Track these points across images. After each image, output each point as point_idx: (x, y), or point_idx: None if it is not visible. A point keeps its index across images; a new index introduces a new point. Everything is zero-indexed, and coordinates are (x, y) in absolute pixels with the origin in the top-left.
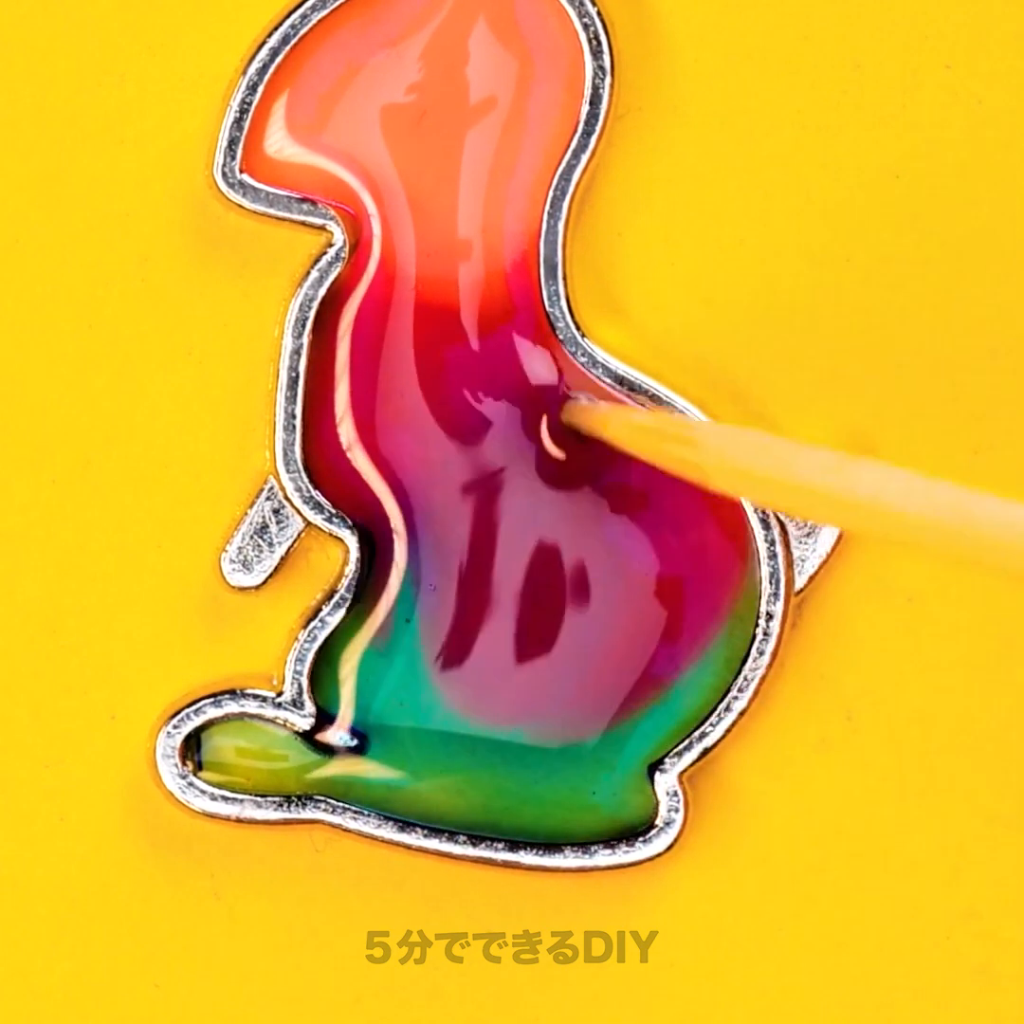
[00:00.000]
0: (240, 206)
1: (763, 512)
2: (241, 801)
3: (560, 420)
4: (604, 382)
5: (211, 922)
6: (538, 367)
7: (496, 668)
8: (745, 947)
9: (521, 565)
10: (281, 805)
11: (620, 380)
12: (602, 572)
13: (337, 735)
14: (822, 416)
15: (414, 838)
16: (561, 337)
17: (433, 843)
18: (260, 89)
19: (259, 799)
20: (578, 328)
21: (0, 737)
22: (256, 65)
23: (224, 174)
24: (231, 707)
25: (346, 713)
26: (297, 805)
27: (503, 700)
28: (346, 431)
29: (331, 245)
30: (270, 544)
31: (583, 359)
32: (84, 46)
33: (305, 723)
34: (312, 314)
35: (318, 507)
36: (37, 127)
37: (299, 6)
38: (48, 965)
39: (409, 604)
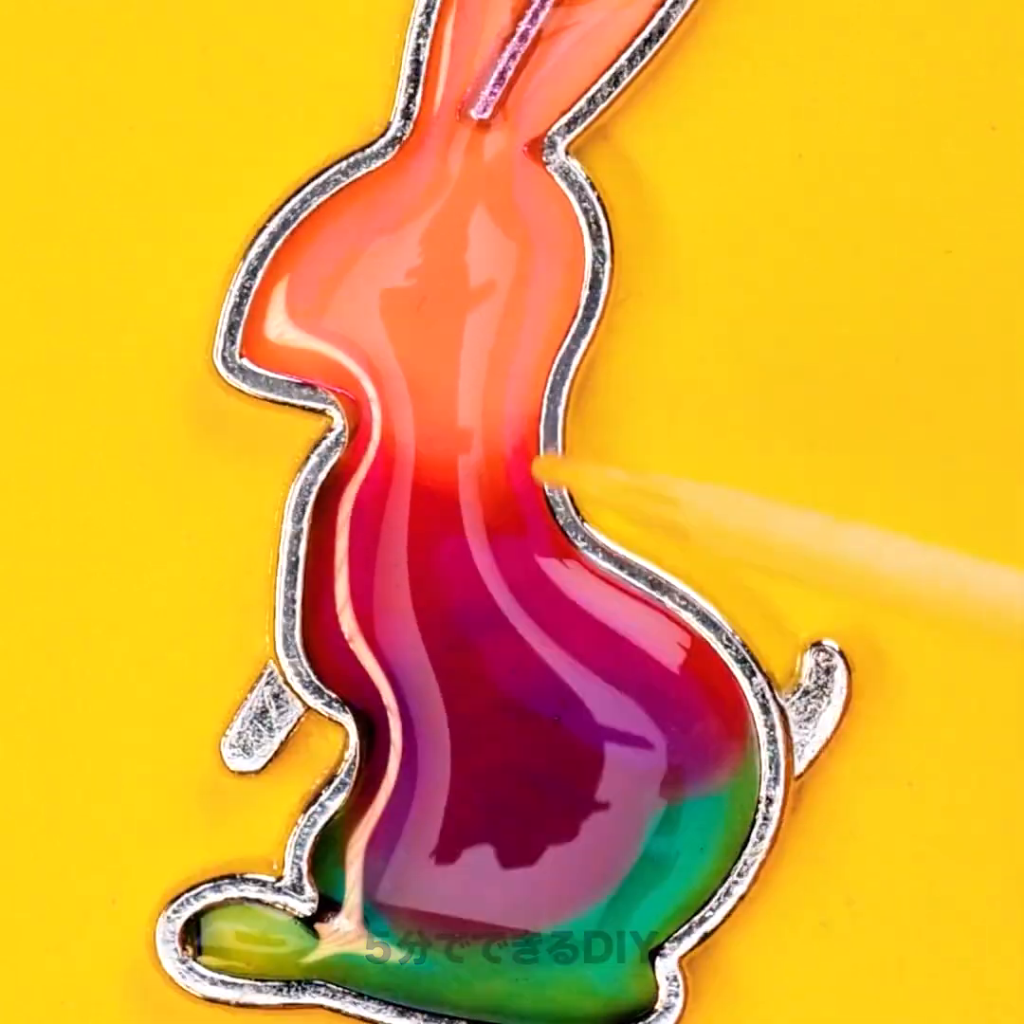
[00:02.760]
0: (240, 391)
1: (763, 697)
2: (241, 986)
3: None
4: (603, 566)
5: None
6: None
7: (489, 859)
8: None
9: (518, 755)
10: (281, 990)
11: (620, 564)
12: (602, 761)
13: (340, 921)
14: (822, 602)
15: (415, 1023)
16: (561, 521)
17: None
18: (260, 274)
19: (259, 984)
20: (578, 512)
21: (2, 922)
22: (256, 250)
23: (224, 359)
24: (231, 892)
25: (352, 898)
26: (297, 990)
27: (499, 886)
28: (347, 621)
29: (331, 430)
30: (270, 729)
31: (583, 543)
32: (85, 231)
33: (305, 908)
34: (312, 499)
35: (318, 692)
36: (40, 312)
37: (299, 191)
38: None
39: (408, 791)
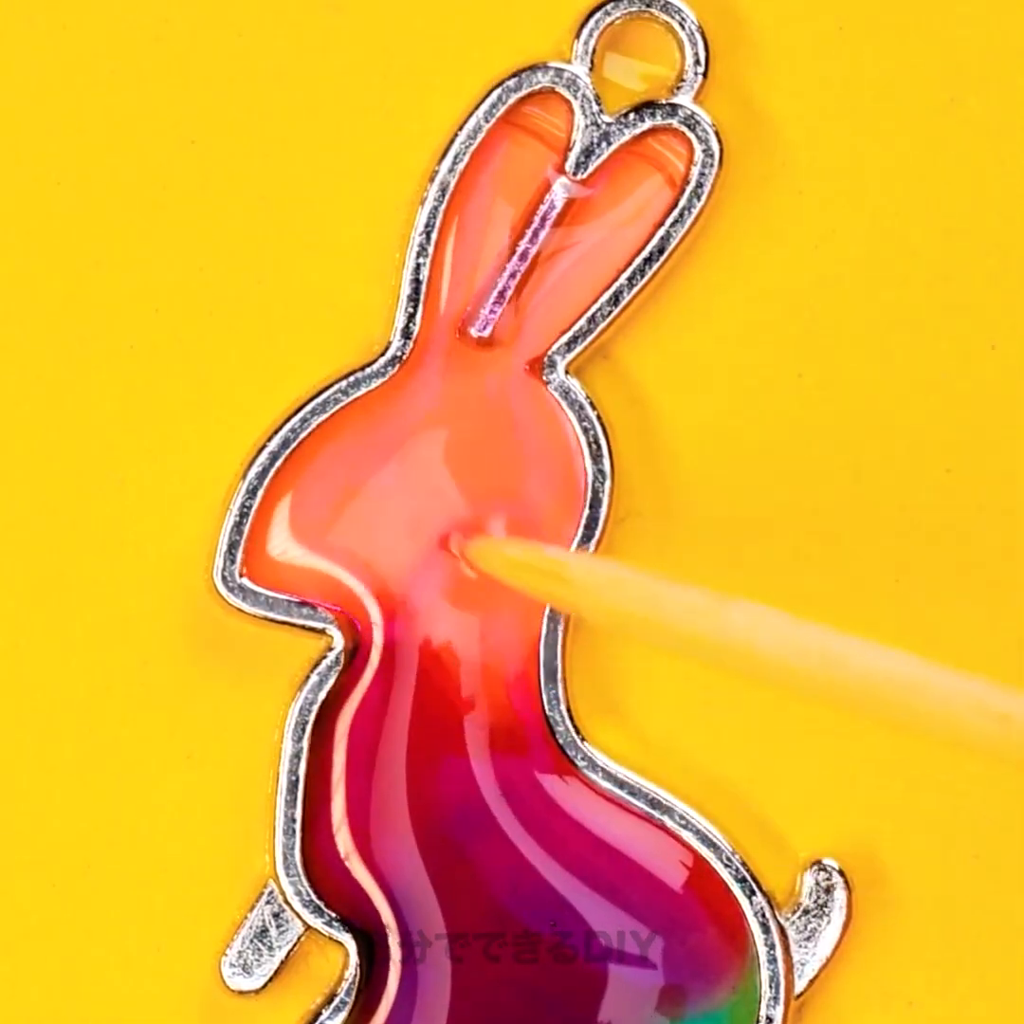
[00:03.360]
0: (240, 610)
1: (763, 916)
2: None
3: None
4: (603, 785)
5: None
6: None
7: None
8: None
9: (518, 972)
10: None
11: (620, 783)
12: (602, 979)
13: None
14: (821, 821)
15: None
16: (560, 741)
17: None
18: (260, 493)
19: None
20: (577, 731)
21: None
22: (256, 469)
23: (224, 578)
24: None
25: None
26: None
27: None
28: (343, 840)
29: (331, 649)
30: (270, 948)
31: (582, 762)
32: (84, 450)
33: None
34: (312, 718)
35: (318, 911)
36: (41, 531)
37: (299, 410)
38: None
39: (407, 1010)
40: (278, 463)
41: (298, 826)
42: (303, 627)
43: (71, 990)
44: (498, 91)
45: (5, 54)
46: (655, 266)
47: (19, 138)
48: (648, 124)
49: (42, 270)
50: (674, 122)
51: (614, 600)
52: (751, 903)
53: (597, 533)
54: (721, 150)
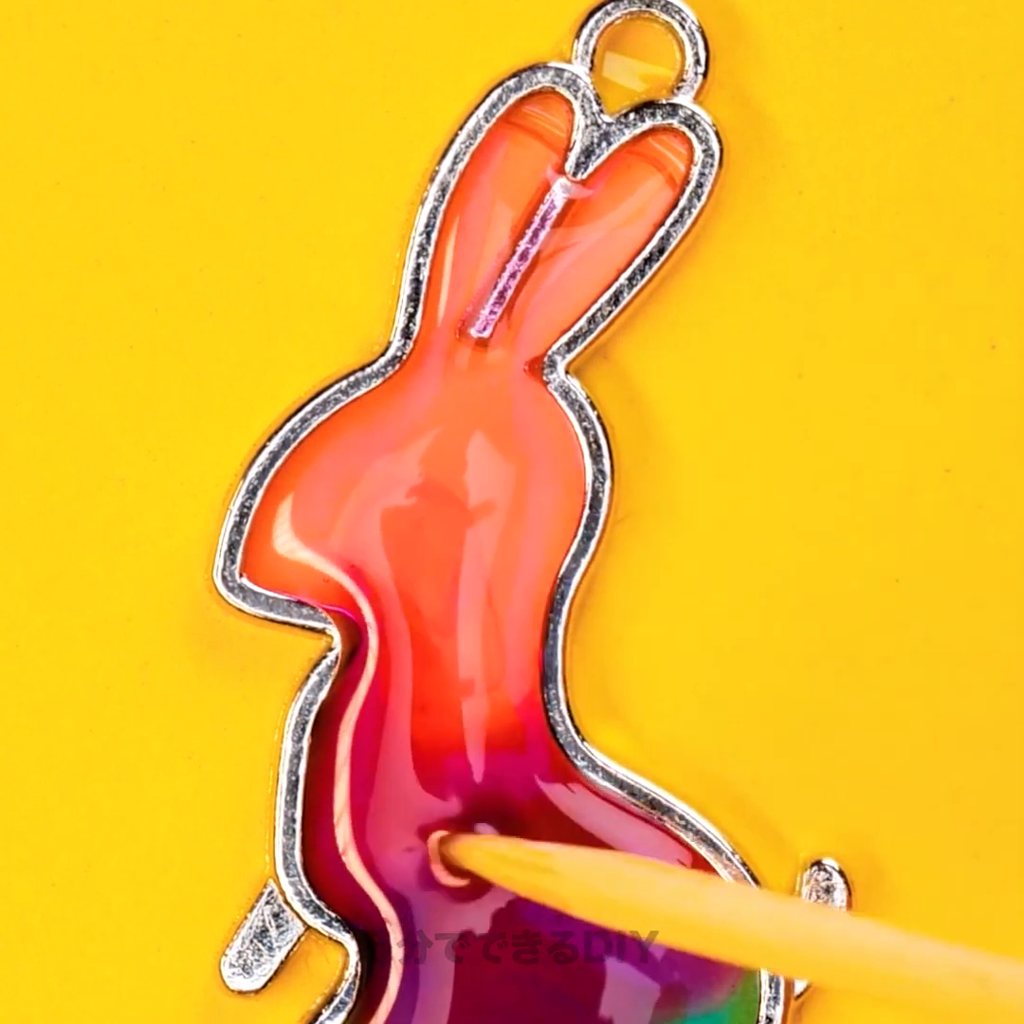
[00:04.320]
0: (240, 610)
1: None
2: None
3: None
4: (603, 785)
5: None
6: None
7: None
8: None
9: (520, 972)
10: None
11: (620, 784)
12: (604, 978)
13: None
14: (821, 821)
15: None
16: (561, 741)
17: None
18: (260, 493)
19: None
20: (578, 732)
21: None
22: (256, 469)
23: (224, 578)
24: None
25: None
26: None
27: None
28: (342, 833)
29: (331, 649)
30: (270, 948)
31: (582, 763)
32: (84, 450)
33: None
34: (312, 718)
35: (318, 911)
36: (41, 531)
37: (299, 410)
38: None
39: (408, 1009)
40: (278, 463)
41: (298, 826)
42: (303, 627)
43: (71, 990)
44: (498, 91)
45: (5, 54)
46: (655, 266)
47: (19, 138)
48: (648, 124)
49: (42, 270)
50: (674, 122)
51: (600, 888)
52: None
53: (597, 533)
54: (721, 150)
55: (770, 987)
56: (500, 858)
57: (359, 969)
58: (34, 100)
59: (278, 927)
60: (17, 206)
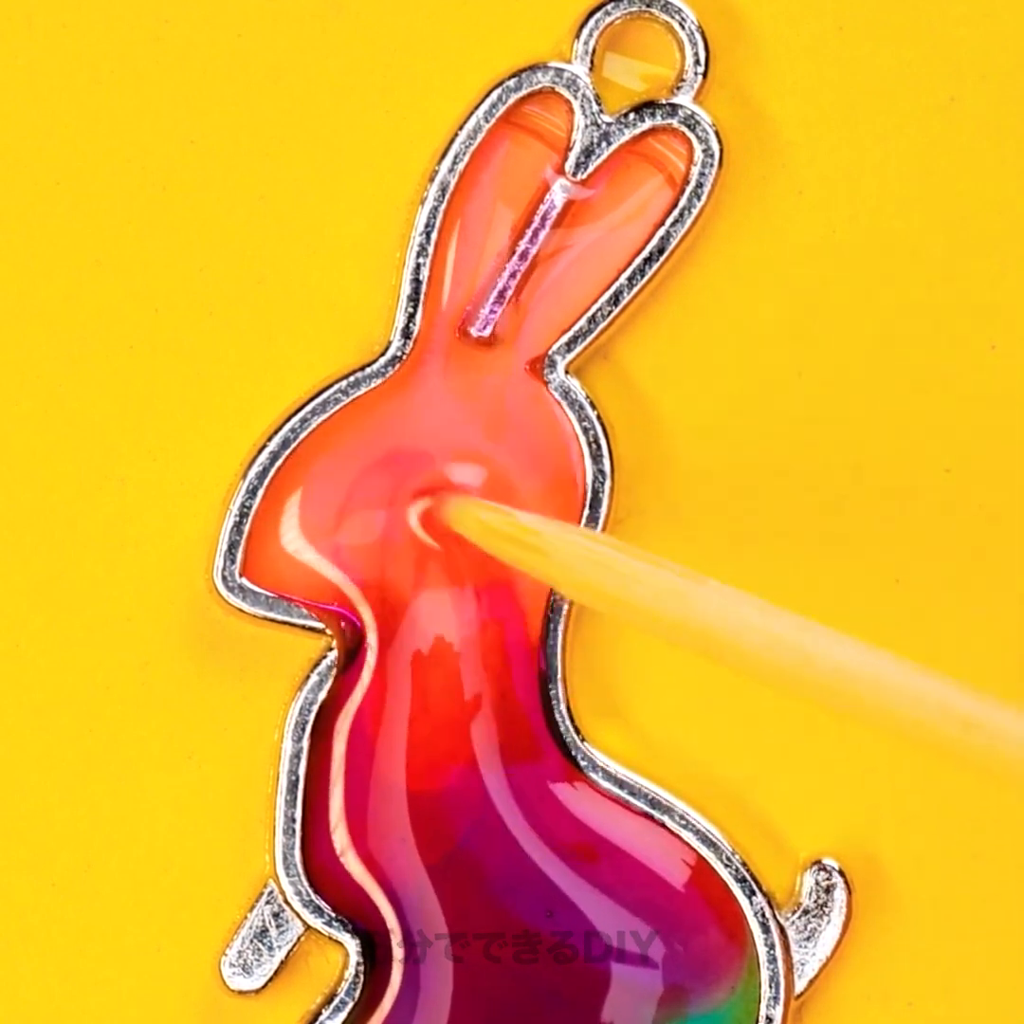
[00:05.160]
0: (240, 610)
1: (763, 916)
2: None
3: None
4: (604, 785)
5: None
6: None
7: None
8: None
9: (521, 972)
10: None
11: (620, 783)
12: (604, 978)
13: None
14: (821, 821)
15: None
16: (560, 740)
17: None
18: (260, 493)
19: None
20: (577, 731)
21: None
22: (256, 469)
23: (224, 578)
24: None
25: None
26: None
27: None
28: (340, 837)
29: (331, 648)
30: (270, 948)
31: (583, 762)
32: (84, 450)
33: None
34: (312, 718)
35: (318, 911)
36: (43, 533)
37: (299, 410)
38: None
39: (408, 1010)
40: (278, 463)
41: (298, 826)
42: (303, 627)
43: (71, 990)
44: (498, 91)
45: (5, 54)
46: (655, 266)
47: (19, 138)
48: (648, 124)
49: (42, 270)
50: (674, 122)
51: (587, 574)
52: (751, 903)
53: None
54: (721, 150)
55: (770, 987)
56: (491, 529)
57: (360, 969)
58: (34, 100)
59: (278, 927)
60: (17, 206)
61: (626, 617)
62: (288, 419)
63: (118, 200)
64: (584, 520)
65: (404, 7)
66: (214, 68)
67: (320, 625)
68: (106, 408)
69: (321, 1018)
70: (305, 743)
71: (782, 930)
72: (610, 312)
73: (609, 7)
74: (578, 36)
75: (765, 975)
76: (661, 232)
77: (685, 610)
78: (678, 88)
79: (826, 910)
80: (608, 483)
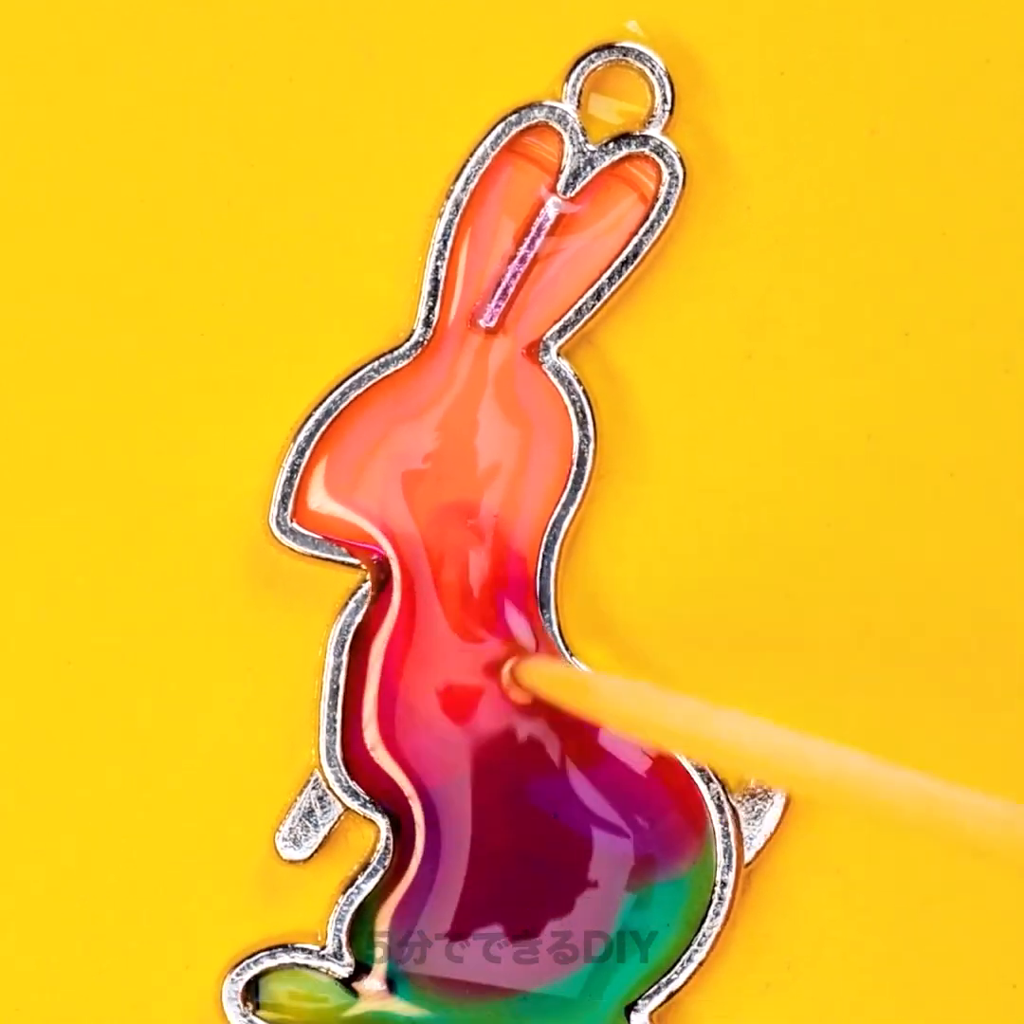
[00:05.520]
0: (291, 549)
1: (718, 799)
2: None
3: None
4: None
5: None
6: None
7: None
8: None
9: (522, 843)
10: None
11: None
12: (589, 850)
13: (372, 982)
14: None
15: None
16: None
17: None
18: (307, 453)
19: None
20: (568, 649)
21: (90, 984)
22: (304, 433)
23: (278, 523)
24: (283, 958)
25: (380, 966)
26: None
27: (505, 956)
28: (370, 734)
29: (366, 580)
30: (315, 825)
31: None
32: (165, 419)
33: (344, 971)
34: (350, 636)
35: (355, 795)
36: (129, 485)
37: (339, 385)
38: None
39: (429, 876)
40: (322, 429)
41: (338, 725)
42: (342, 563)
43: (151, 863)
44: (502, 124)
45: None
46: (630, 268)
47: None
48: (625, 151)
49: (130, 250)
50: (646, 150)
51: (629, 707)
52: (708, 789)
53: (582, 486)
54: (685, 173)
55: (725, 857)
56: (550, 678)
57: (388, 843)
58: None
59: (322, 808)
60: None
61: (662, 739)
62: (330, 392)
63: (205, 219)
64: (572, 475)
65: (425, 57)
66: (274, 107)
67: (356, 561)
68: (185, 387)
69: (357, 882)
70: (344, 657)
71: (734, 810)
72: (594, 305)
73: (593, 55)
74: (567, 79)
75: (720, 847)
76: (635, 241)
77: (708, 729)
78: (649, 122)
79: (769, 794)
80: (592, 445)
